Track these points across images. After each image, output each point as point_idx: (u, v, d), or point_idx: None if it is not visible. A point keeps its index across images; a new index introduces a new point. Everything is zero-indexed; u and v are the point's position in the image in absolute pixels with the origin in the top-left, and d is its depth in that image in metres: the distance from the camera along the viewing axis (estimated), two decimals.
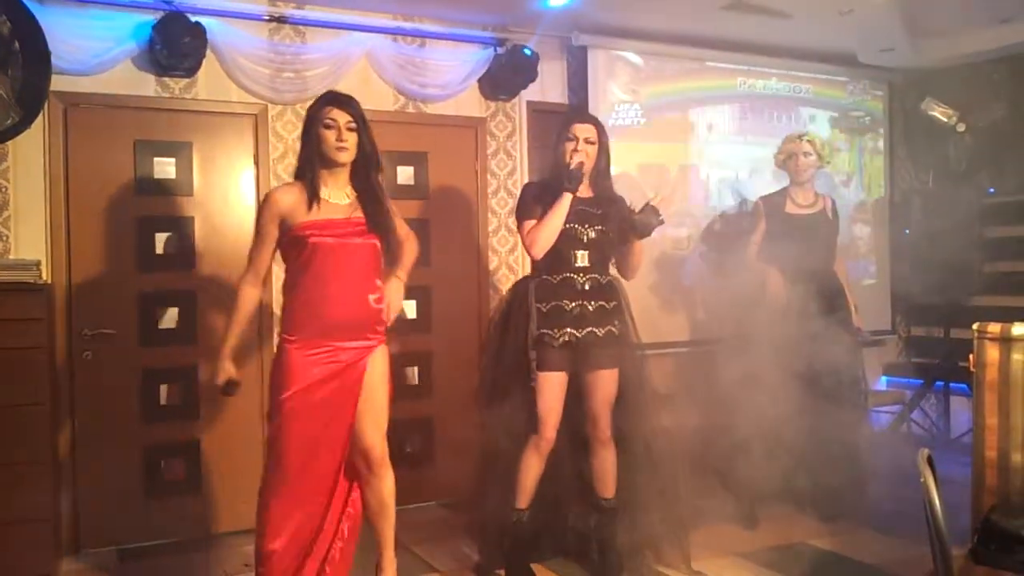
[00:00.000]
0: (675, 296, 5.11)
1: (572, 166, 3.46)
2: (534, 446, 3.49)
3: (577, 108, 4.89)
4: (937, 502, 1.84)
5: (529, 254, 3.51)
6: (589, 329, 3.50)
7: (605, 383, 3.55)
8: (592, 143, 3.55)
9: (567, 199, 3.43)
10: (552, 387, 3.47)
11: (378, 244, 3.03)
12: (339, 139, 2.98)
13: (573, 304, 3.49)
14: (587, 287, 3.51)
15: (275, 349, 3.10)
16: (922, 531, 1.95)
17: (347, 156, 3.01)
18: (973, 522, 2.71)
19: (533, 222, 3.48)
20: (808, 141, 4.37)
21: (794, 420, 3.84)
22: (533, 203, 3.53)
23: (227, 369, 2.97)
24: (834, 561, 3.78)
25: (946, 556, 1.84)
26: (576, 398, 3.56)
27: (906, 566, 3.48)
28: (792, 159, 4.40)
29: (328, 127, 2.99)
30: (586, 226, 3.51)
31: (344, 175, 3.01)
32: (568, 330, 3.48)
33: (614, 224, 3.59)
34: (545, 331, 3.48)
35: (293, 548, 2.97)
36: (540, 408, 3.46)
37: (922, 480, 1.90)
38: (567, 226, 3.46)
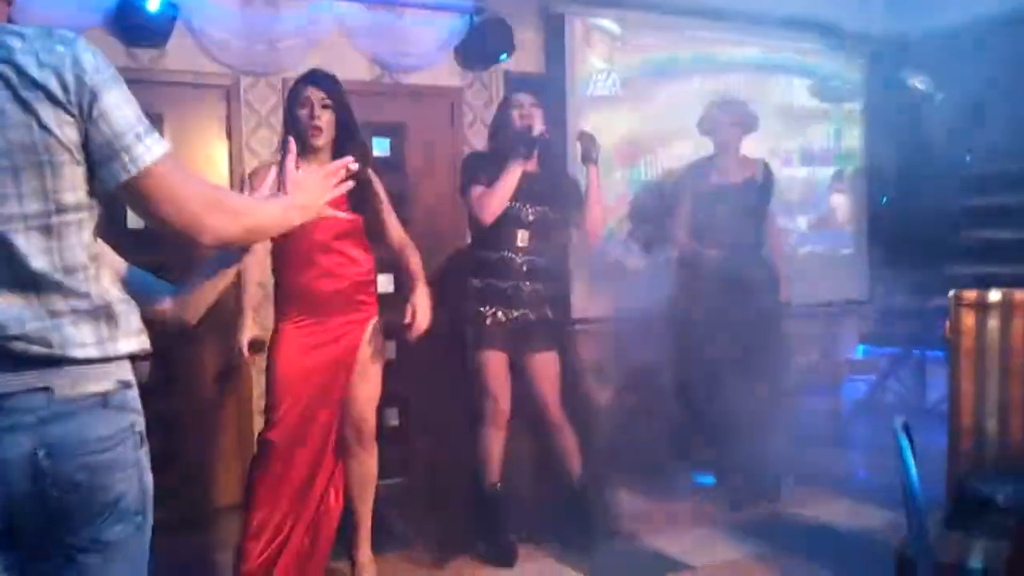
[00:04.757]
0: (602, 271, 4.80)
1: (535, 133, 3.38)
2: (491, 421, 3.46)
3: (524, 79, 4.70)
4: (912, 468, 1.85)
5: (480, 220, 3.39)
6: (523, 311, 3.46)
7: (545, 366, 3.51)
8: (538, 107, 3.49)
9: (518, 167, 3.33)
10: (494, 365, 3.44)
11: (356, 218, 2.96)
12: (311, 116, 2.92)
13: (508, 284, 3.44)
14: (524, 268, 3.45)
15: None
16: (899, 499, 1.96)
17: (322, 137, 2.93)
18: (948, 488, 2.73)
19: (481, 188, 3.37)
20: (732, 105, 4.21)
21: (719, 399, 3.85)
22: (478, 171, 3.43)
23: (250, 327, 2.98)
24: (811, 529, 3.82)
25: (921, 521, 1.86)
26: (521, 380, 3.53)
27: (882, 533, 3.52)
28: (715, 125, 4.22)
29: (302, 105, 2.94)
30: (528, 205, 3.44)
31: (325, 158, 2.88)
32: (501, 309, 3.44)
33: (560, 202, 3.54)
34: (478, 308, 3.44)
35: (278, 518, 2.99)
36: (489, 385, 3.43)
37: (898, 446, 1.91)
38: (509, 203, 3.37)
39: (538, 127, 3.41)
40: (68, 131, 1.29)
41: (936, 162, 5.66)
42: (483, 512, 3.54)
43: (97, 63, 1.34)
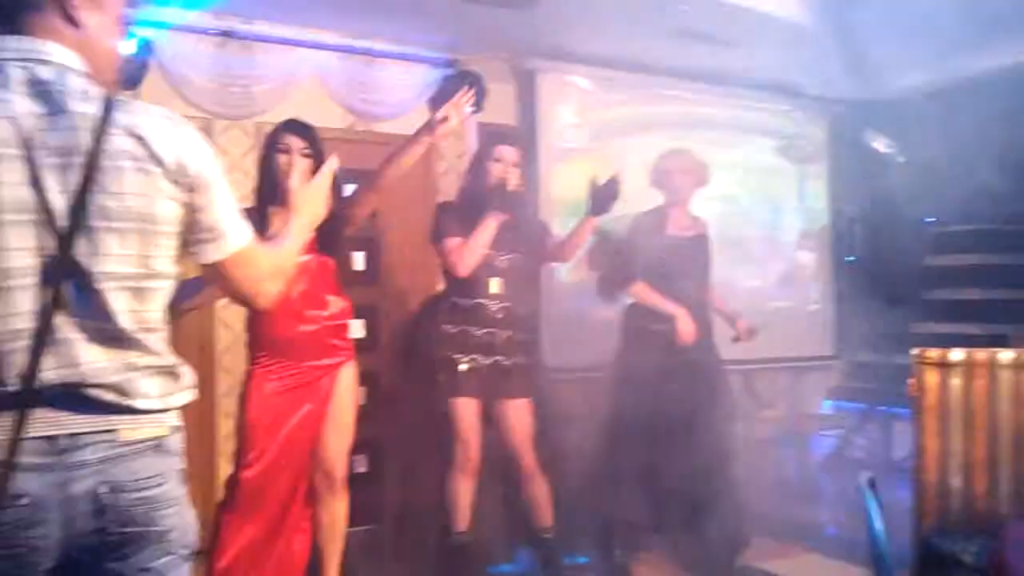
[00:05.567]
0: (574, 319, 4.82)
1: (509, 187, 3.43)
2: (461, 468, 3.43)
3: (499, 131, 4.74)
4: (878, 524, 1.86)
5: (454, 273, 3.41)
6: (496, 358, 3.46)
7: (518, 413, 3.50)
8: (518, 166, 3.54)
9: (495, 220, 3.37)
10: (467, 412, 3.42)
11: (329, 261, 3.04)
12: (290, 163, 2.95)
13: (482, 331, 3.45)
14: (499, 315, 3.47)
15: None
16: (867, 554, 1.96)
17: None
18: (914, 546, 2.73)
19: (458, 240, 3.40)
20: (686, 158, 4.12)
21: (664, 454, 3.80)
22: (454, 222, 3.46)
23: None
24: None
25: None
26: (493, 427, 3.52)
27: None
28: (668, 177, 4.10)
29: (281, 151, 2.99)
30: (500, 253, 3.47)
31: None
32: (474, 357, 3.43)
33: (529, 248, 3.56)
34: (452, 354, 3.43)
35: (242, 565, 2.93)
36: (460, 431, 3.41)
37: (863, 503, 1.92)
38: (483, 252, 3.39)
39: (514, 182, 3.46)
40: (173, 207, 1.46)
41: (901, 221, 5.77)
42: (451, 560, 3.49)
43: (210, 153, 1.51)
